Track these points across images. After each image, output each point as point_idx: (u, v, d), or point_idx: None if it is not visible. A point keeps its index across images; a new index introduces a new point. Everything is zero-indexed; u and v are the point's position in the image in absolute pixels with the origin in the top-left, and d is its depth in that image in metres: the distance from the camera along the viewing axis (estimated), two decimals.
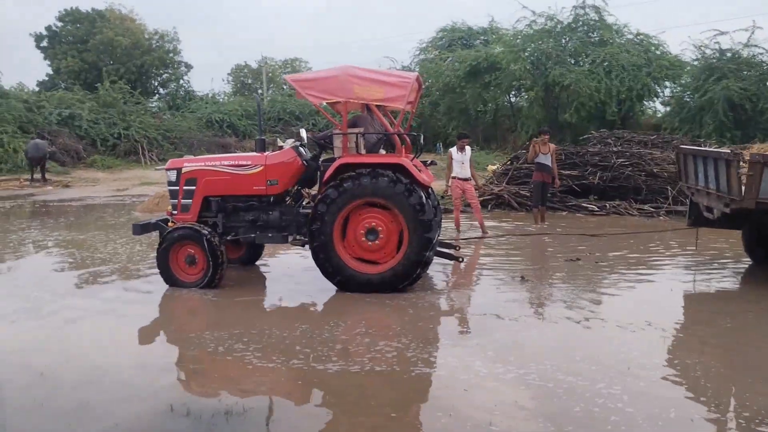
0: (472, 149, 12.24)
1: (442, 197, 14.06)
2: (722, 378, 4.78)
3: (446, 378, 4.70)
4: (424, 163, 8.24)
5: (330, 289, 7.13)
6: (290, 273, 8.37)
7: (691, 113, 25.20)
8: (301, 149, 7.67)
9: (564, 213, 13.49)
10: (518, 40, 30.35)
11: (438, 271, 8.24)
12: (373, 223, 7.01)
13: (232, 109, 37.65)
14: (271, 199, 7.55)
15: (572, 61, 29.01)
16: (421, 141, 7.99)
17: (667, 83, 29.15)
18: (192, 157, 8.61)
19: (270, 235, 7.58)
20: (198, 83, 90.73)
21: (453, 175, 11.38)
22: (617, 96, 26.84)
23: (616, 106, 27.11)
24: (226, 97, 45.35)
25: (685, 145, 11.05)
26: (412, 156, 7.53)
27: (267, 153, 7.65)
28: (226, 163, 7.59)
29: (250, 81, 56.65)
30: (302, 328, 5.80)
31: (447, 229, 11.39)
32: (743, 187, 6.81)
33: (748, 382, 4.64)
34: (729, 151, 7.25)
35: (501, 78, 29.68)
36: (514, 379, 4.57)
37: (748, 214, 7.08)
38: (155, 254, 7.41)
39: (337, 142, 7.18)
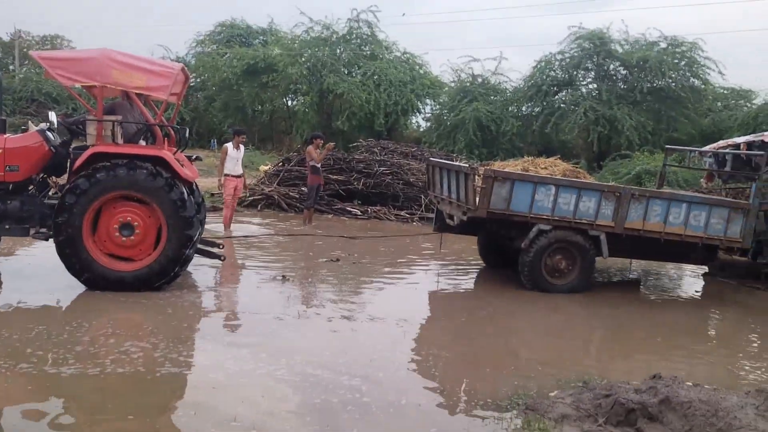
0: (247, 148, 12.13)
1: (212, 195, 13.81)
2: (452, 366, 5.37)
3: (194, 377, 4.66)
4: (189, 158, 8.02)
5: (78, 287, 6.62)
6: (31, 269, 7.61)
7: (447, 130, 27.66)
8: (49, 134, 7.01)
9: (330, 216, 14.01)
10: (296, 45, 30.84)
11: (200, 269, 8.07)
12: (129, 218, 6.66)
13: None
14: (10, 187, 6.80)
15: (346, 71, 30.21)
16: (187, 135, 7.76)
17: (429, 101, 31.73)
18: None
19: (7, 227, 6.82)
20: None
21: (227, 172, 11.13)
22: (385, 108, 28.55)
23: (384, 117, 28.79)
24: None
25: (435, 158, 12.12)
26: (175, 150, 7.29)
27: (7, 135, 6.88)
28: None
29: None
30: (38, 330, 5.30)
31: (214, 226, 11.19)
32: (478, 198, 7.71)
33: (472, 369, 5.27)
34: (467, 166, 8.16)
35: (278, 80, 29.92)
36: (264, 375, 4.67)
37: (482, 222, 8.02)
38: None
39: (91, 129, 6.70)
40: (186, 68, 7.53)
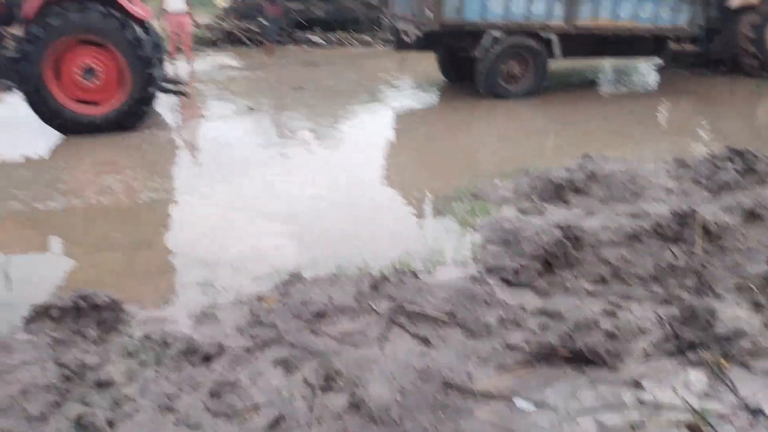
0: None
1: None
2: (415, 175, 5.89)
3: (173, 208, 5.08)
4: None
5: (54, 135, 6.86)
6: (5, 123, 7.80)
7: None
8: None
9: (292, 46, 13.88)
10: None
11: (168, 107, 8.29)
12: (89, 62, 6.76)
13: None
14: None
15: None
16: None
17: None
18: None
19: None
20: None
21: (165, 7, 10.92)
22: None
23: None
24: None
25: None
26: None
27: None
28: None
29: None
30: (21, 174, 5.68)
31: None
32: (431, 10, 7.75)
33: (432, 175, 5.79)
34: None
35: None
36: (242, 204, 4.98)
37: (438, 36, 8.14)
38: None
39: None
40: None
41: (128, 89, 6.86)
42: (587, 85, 10.12)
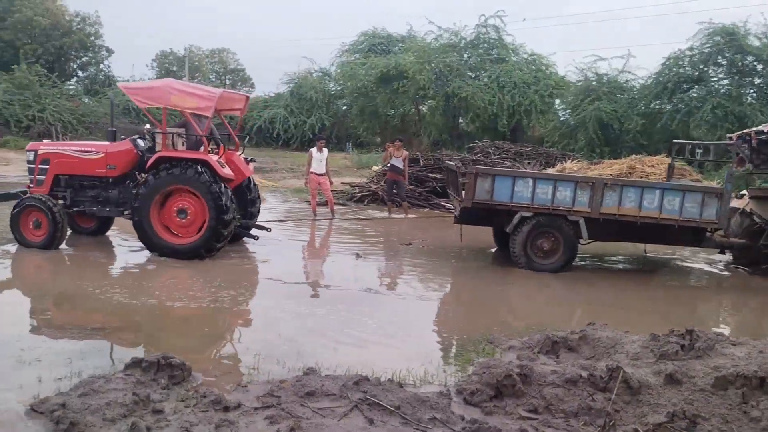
0: (381, 149, 14.21)
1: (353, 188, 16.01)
2: (460, 321, 6.98)
3: (238, 310, 6.73)
4: (247, 159, 10.06)
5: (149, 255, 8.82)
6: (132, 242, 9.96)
7: (568, 129, 28.05)
8: (139, 141, 9.35)
9: (426, 209, 15.79)
10: (425, 52, 32.69)
11: (293, 247, 10.23)
12: (184, 205, 8.69)
13: None
14: (110, 180, 9.20)
15: (473, 75, 31.44)
16: (245, 140, 9.79)
17: (558, 101, 32.02)
18: (49, 141, 10.40)
19: (108, 209, 9.27)
20: (120, 68, 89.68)
21: (312, 170, 13.44)
22: (508, 110, 29.54)
23: (507, 118, 29.75)
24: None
25: (450, 161, 12.57)
26: (221, 154, 9.15)
27: (108, 143, 9.38)
28: (74, 148, 9.33)
29: (174, 68, 57.18)
30: (126, 280, 7.71)
31: (300, 212, 13.49)
32: (464, 191, 8.97)
33: (471, 322, 6.86)
34: (454, 165, 9.47)
35: (408, 86, 31.86)
36: (275, 308, 6.59)
37: (476, 212, 9.16)
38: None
39: (159, 139, 9.04)
40: (231, 89, 9.83)
41: (207, 227, 8.59)
42: (629, 266, 10.55)
